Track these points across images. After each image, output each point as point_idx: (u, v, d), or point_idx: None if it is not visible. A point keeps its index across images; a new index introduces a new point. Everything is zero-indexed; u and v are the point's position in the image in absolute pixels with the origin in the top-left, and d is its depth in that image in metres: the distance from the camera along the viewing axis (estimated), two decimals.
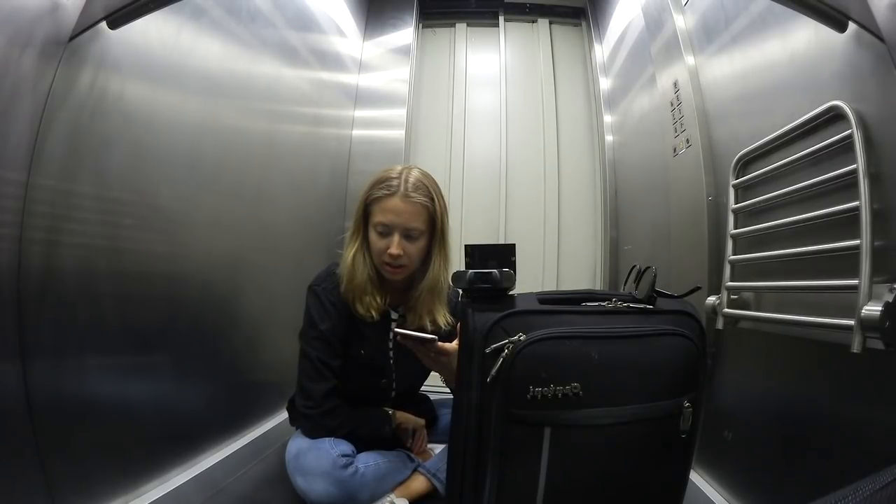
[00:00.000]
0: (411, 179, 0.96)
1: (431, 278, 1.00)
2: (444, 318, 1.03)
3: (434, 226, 0.99)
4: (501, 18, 2.34)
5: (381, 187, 0.95)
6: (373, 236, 0.97)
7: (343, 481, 0.89)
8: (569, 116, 2.21)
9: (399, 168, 0.99)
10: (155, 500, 0.85)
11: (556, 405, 0.60)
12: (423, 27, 2.32)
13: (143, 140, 0.87)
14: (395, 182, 0.95)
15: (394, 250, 0.94)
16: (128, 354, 0.85)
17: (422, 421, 1.12)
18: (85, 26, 0.73)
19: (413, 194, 0.94)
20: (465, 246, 0.72)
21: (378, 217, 0.95)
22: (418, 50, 2.22)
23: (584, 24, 2.26)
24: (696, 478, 1.02)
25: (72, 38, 0.72)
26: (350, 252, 1.00)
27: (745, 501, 0.91)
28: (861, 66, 0.72)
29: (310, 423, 0.97)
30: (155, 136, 0.90)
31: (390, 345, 1.05)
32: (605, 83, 2.04)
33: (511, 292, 0.69)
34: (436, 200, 0.98)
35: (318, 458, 0.91)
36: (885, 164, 0.67)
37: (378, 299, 1.00)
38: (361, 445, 0.98)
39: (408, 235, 0.95)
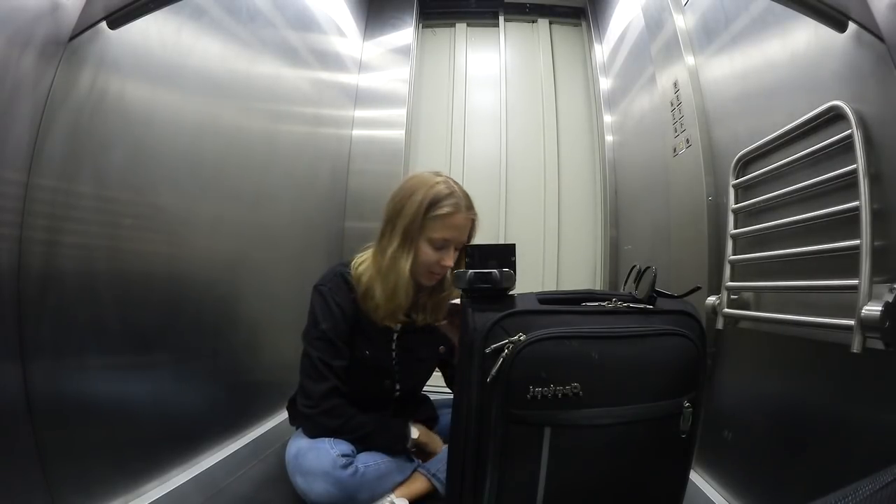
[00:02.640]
0: (462, 194, 0.98)
1: (450, 285, 1.04)
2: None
3: (471, 236, 1.02)
4: (501, 18, 2.34)
5: (444, 205, 0.95)
6: (426, 249, 0.96)
7: (343, 481, 0.89)
8: (569, 116, 2.21)
9: (441, 179, 0.98)
10: (155, 500, 0.85)
11: (556, 405, 0.60)
12: (423, 27, 2.32)
13: (143, 140, 0.87)
14: (453, 200, 0.95)
15: (450, 262, 0.97)
16: (128, 354, 0.85)
17: (441, 445, 1.08)
18: (85, 26, 0.73)
19: (471, 209, 0.99)
20: (465, 246, 0.72)
21: (440, 233, 0.95)
22: (418, 50, 2.22)
23: (584, 24, 2.26)
24: (696, 478, 1.02)
25: (72, 38, 0.72)
26: (405, 267, 0.95)
27: (745, 501, 0.91)
28: (861, 66, 0.72)
29: (309, 422, 0.97)
30: (155, 137, 0.90)
31: (394, 346, 1.05)
32: (605, 83, 2.04)
33: (511, 292, 0.69)
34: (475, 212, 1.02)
35: (318, 457, 0.91)
36: (885, 164, 0.67)
37: (404, 312, 1.01)
38: (361, 446, 0.98)
39: (457, 247, 0.98)
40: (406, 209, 0.95)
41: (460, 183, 1.01)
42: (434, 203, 0.94)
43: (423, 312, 1.04)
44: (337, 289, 1.00)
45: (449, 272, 1.01)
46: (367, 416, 0.99)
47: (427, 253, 0.96)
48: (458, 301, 0.84)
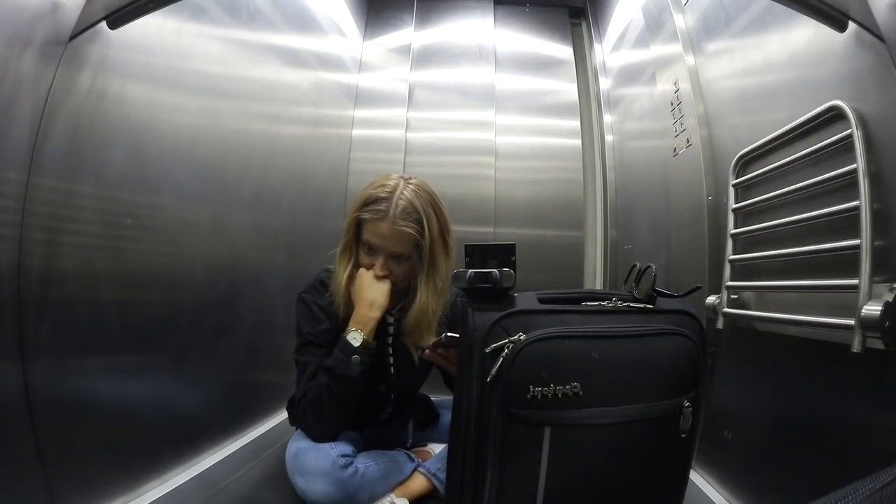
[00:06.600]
0: (402, 204, 0.91)
1: (418, 310, 0.95)
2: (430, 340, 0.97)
3: (422, 252, 0.94)
4: None
5: (369, 209, 0.92)
6: (361, 252, 0.97)
7: (342, 481, 0.89)
8: None
9: (392, 184, 0.94)
10: (155, 500, 0.85)
11: (556, 405, 0.60)
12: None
13: (143, 140, 0.87)
14: (383, 206, 0.91)
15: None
16: (128, 354, 0.85)
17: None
18: (85, 26, 0.73)
19: (401, 222, 0.91)
20: (465, 246, 0.72)
21: (366, 236, 0.94)
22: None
23: (584, 23, 2.26)
24: (696, 478, 1.02)
25: (72, 38, 0.72)
26: (343, 274, 0.96)
27: (745, 501, 0.91)
28: (861, 66, 0.72)
29: (302, 418, 0.96)
30: (155, 136, 0.90)
31: (390, 350, 1.05)
32: (605, 83, 2.04)
33: (511, 292, 0.69)
34: (426, 227, 0.92)
35: (318, 458, 0.91)
36: (885, 164, 0.67)
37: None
38: (356, 428, 0.97)
39: (395, 258, 0.95)
40: (349, 213, 0.97)
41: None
42: (364, 205, 0.93)
43: (401, 328, 1.00)
44: (317, 293, 1.00)
45: (422, 288, 0.95)
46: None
47: (361, 256, 0.96)
48: (453, 334, 0.76)
